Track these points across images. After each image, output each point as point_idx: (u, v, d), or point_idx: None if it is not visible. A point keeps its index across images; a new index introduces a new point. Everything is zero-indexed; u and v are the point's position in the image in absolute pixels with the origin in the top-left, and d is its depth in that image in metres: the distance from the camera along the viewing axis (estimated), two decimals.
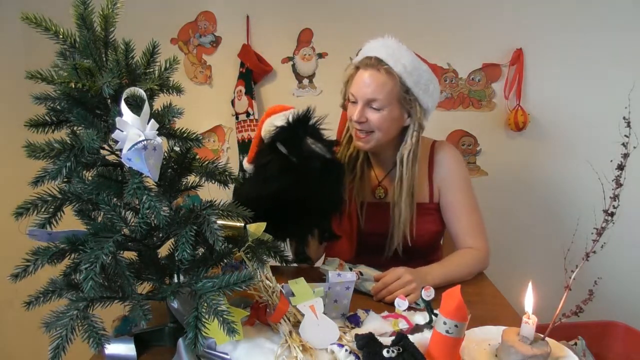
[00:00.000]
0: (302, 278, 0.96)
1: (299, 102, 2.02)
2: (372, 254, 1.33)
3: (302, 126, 1.12)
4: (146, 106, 0.74)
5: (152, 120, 0.74)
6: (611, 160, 0.79)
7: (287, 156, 1.10)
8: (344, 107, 1.33)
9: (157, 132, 0.74)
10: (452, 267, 1.23)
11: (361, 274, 1.15)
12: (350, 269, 1.18)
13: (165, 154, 0.83)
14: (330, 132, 1.20)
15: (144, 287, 0.88)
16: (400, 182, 1.29)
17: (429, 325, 0.91)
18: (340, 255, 1.33)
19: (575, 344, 1.44)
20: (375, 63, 1.21)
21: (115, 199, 0.79)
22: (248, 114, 1.99)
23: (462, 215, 1.33)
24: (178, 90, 0.85)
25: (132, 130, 0.72)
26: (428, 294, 0.92)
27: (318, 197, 1.14)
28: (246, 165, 1.32)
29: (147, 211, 0.73)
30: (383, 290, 1.09)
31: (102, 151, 0.79)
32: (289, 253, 1.29)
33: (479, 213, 1.35)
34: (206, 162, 0.90)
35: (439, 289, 0.93)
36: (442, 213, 1.37)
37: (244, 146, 2.02)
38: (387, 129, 1.25)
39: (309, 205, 1.13)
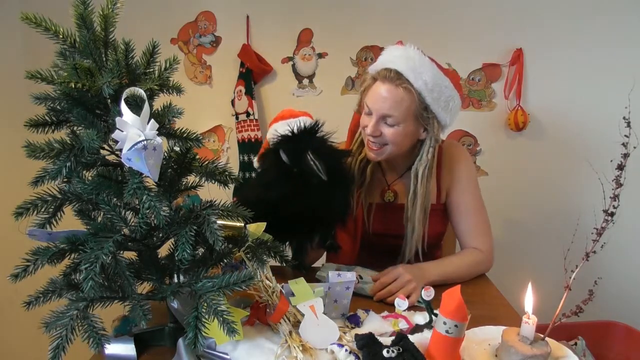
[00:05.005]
0: (302, 278, 0.96)
1: (300, 102, 2.02)
2: (375, 254, 1.33)
3: (306, 138, 1.10)
4: (146, 106, 0.74)
5: (152, 120, 0.74)
6: (611, 160, 0.79)
7: (289, 166, 1.09)
8: (359, 111, 1.29)
9: (157, 132, 0.74)
10: (451, 266, 1.23)
11: (360, 277, 1.14)
12: None
13: (165, 154, 0.82)
14: (338, 142, 1.18)
15: (144, 287, 0.88)
16: (414, 198, 1.27)
17: (429, 325, 0.91)
18: (343, 256, 1.33)
19: (575, 344, 1.44)
20: (395, 77, 1.15)
21: (115, 199, 0.79)
22: (248, 114, 1.99)
23: (469, 215, 1.33)
24: (178, 90, 0.85)
25: (132, 130, 0.72)
26: (428, 294, 0.92)
27: (319, 209, 1.12)
28: (256, 164, 1.32)
29: (147, 211, 0.73)
30: (383, 291, 1.09)
31: (102, 151, 0.79)
32: (289, 254, 1.29)
33: (485, 214, 1.35)
34: (206, 162, 0.90)
35: (439, 288, 0.93)
36: (448, 212, 1.37)
37: (244, 146, 2.02)
38: (401, 143, 1.22)
39: (309, 215, 1.12)
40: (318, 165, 1.07)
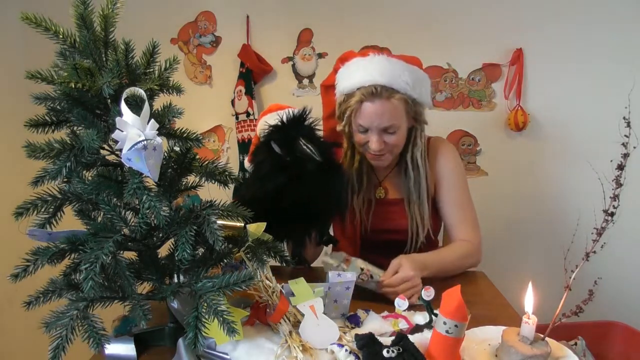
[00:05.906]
0: (302, 278, 0.96)
1: (300, 102, 2.02)
2: (374, 252, 1.33)
3: (296, 127, 1.11)
4: (146, 106, 0.74)
5: (152, 120, 0.74)
6: (611, 160, 0.79)
7: (282, 156, 1.10)
8: (345, 132, 1.29)
9: (157, 132, 0.74)
10: (446, 258, 1.25)
11: (371, 276, 1.12)
12: (362, 269, 1.14)
13: (165, 154, 0.82)
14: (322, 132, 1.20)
15: (144, 287, 0.88)
16: (418, 185, 1.31)
17: (429, 325, 0.91)
18: None
19: (575, 344, 1.44)
20: (382, 91, 1.17)
21: (115, 199, 0.79)
22: (248, 114, 1.99)
23: (458, 209, 1.35)
24: (178, 90, 0.85)
25: (132, 130, 0.72)
26: (428, 294, 0.92)
27: (315, 199, 1.12)
28: (247, 164, 1.32)
29: (147, 211, 0.73)
30: (390, 289, 1.08)
31: (102, 151, 0.79)
32: (288, 253, 1.29)
33: (472, 208, 1.38)
34: (206, 162, 0.90)
35: (439, 288, 0.93)
36: (438, 207, 1.39)
37: (244, 146, 2.02)
38: (403, 142, 1.27)
39: (306, 206, 1.12)
40: (311, 149, 1.08)
